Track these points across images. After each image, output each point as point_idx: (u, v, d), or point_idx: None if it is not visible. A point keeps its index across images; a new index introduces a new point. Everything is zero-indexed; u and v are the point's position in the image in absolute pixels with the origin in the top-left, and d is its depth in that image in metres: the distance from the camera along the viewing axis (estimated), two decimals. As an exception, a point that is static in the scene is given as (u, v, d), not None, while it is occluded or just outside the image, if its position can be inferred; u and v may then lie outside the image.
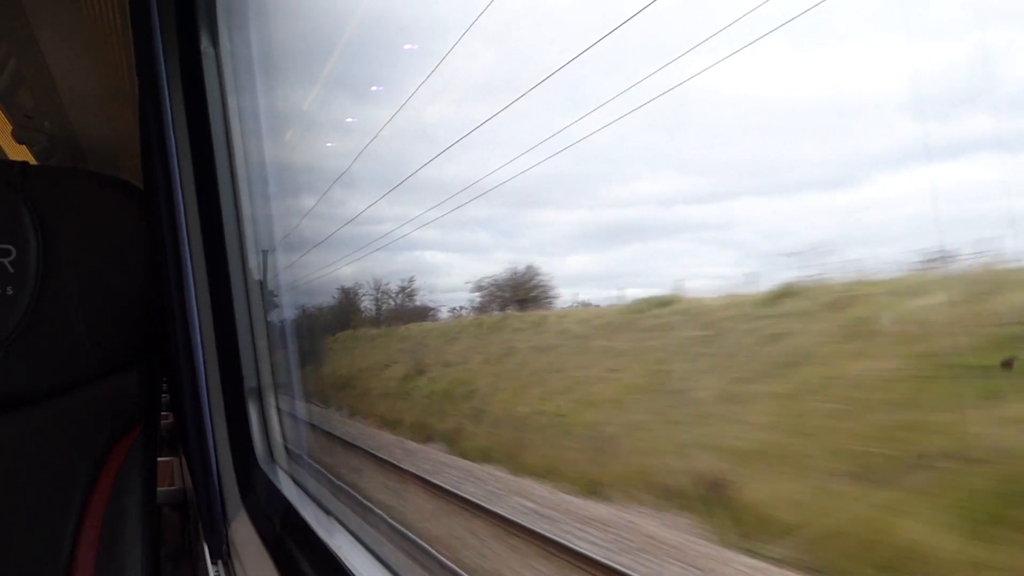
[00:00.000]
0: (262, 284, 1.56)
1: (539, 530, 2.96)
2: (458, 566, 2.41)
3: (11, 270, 1.21)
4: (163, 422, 2.50)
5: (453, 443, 4.80)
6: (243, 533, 1.31)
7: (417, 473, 4.30)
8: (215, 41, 1.48)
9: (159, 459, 1.44)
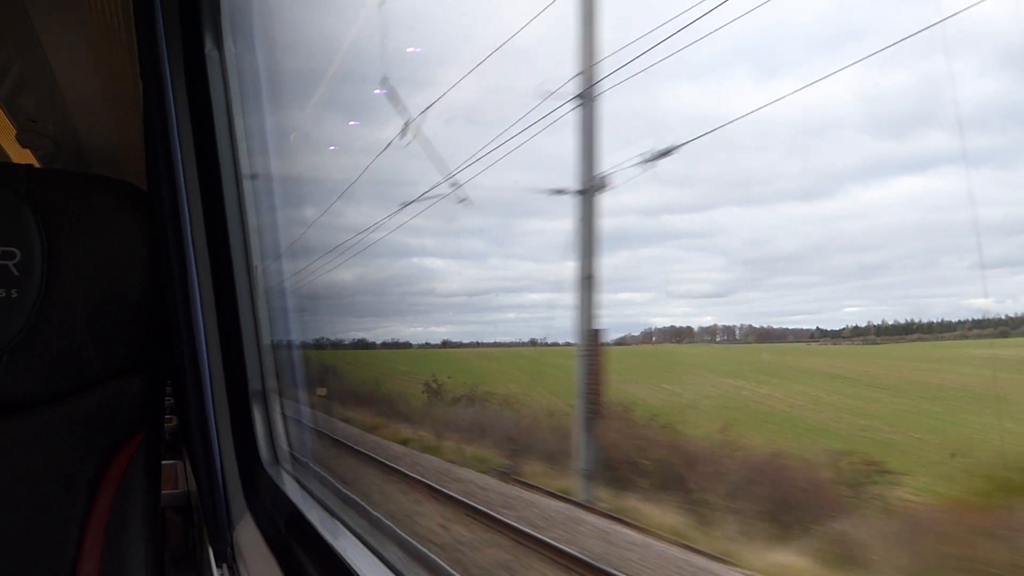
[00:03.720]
0: (267, 288, 1.55)
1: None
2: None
3: (15, 273, 1.21)
4: (167, 426, 2.49)
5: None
6: (248, 537, 1.31)
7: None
8: (219, 44, 1.48)
9: (163, 463, 1.44)
